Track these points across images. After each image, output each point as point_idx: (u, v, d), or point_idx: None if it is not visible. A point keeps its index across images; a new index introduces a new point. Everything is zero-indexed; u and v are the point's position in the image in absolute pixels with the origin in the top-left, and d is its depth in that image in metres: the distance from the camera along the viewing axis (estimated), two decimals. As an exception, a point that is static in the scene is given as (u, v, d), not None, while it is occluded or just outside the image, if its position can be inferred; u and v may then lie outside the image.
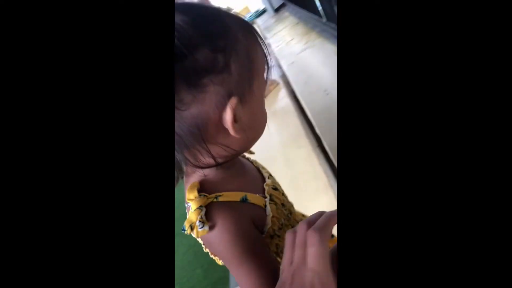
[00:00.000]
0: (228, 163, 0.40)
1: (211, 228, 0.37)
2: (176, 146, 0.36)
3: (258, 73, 0.38)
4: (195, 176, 0.42)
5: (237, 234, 0.37)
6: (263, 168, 0.53)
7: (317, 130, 1.33)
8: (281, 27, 2.51)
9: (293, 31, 2.21)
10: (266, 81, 0.40)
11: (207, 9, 0.36)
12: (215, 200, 0.39)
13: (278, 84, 2.38)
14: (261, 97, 0.40)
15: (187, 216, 0.38)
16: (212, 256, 0.43)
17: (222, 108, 0.34)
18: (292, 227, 0.50)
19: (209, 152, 0.37)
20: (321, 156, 1.28)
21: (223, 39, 0.33)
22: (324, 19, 1.64)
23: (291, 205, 0.55)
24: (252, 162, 0.53)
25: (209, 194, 0.39)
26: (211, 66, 0.33)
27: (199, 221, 0.37)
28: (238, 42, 0.35)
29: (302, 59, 1.62)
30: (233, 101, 0.34)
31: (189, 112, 0.34)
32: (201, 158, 0.38)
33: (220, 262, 0.42)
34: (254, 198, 0.42)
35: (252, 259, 0.37)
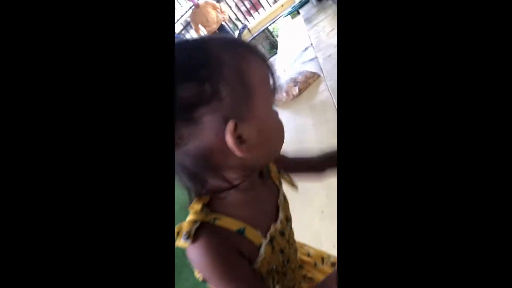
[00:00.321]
0: (247, 185, 0.40)
1: (193, 242, 0.38)
2: (189, 179, 0.37)
3: (257, 87, 0.36)
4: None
5: (215, 260, 0.38)
6: (286, 209, 0.51)
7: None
8: (323, 17, 2.41)
9: (334, 21, 2.12)
10: (274, 91, 0.39)
11: (187, 43, 0.37)
12: (211, 221, 0.39)
13: (319, 76, 2.31)
14: (267, 110, 0.38)
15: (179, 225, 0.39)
16: None
17: (222, 135, 0.34)
18: (284, 274, 0.50)
19: (224, 178, 0.37)
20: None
21: (206, 68, 0.34)
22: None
23: (294, 251, 0.53)
24: (280, 196, 0.51)
25: (211, 212, 0.40)
26: (199, 98, 0.33)
27: (186, 232, 0.38)
28: (223, 65, 0.34)
29: (339, 51, 1.55)
30: (230, 125, 0.34)
31: (191, 145, 0.34)
32: (216, 183, 0.38)
33: None
34: (252, 233, 0.42)
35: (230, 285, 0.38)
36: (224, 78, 0.34)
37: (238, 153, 0.34)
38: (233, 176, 0.38)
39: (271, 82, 0.38)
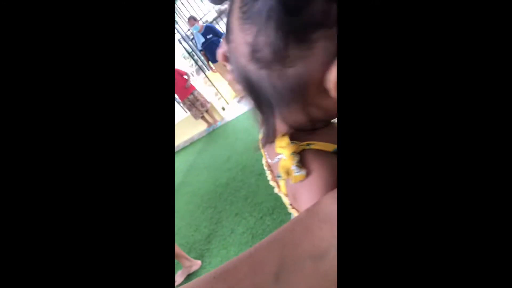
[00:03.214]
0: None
1: (308, 174, 0.37)
2: (273, 103, 0.36)
3: None
4: (284, 130, 0.41)
5: (330, 184, 0.36)
6: None
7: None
8: None
9: None
10: None
11: None
12: (307, 147, 0.38)
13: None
14: None
15: (281, 165, 0.39)
16: (292, 210, 0.43)
17: (327, 68, 0.31)
18: None
19: (307, 113, 0.36)
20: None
21: None
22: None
23: None
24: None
25: (301, 142, 0.38)
26: (324, 19, 0.29)
27: (295, 165, 0.36)
28: None
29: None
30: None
31: (293, 69, 0.32)
32: (295, 116, 0.37)
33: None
34: None
35: None
36: None
37: (333, 91, 0.32)
38: (314, 115, 0.36)
39: None
